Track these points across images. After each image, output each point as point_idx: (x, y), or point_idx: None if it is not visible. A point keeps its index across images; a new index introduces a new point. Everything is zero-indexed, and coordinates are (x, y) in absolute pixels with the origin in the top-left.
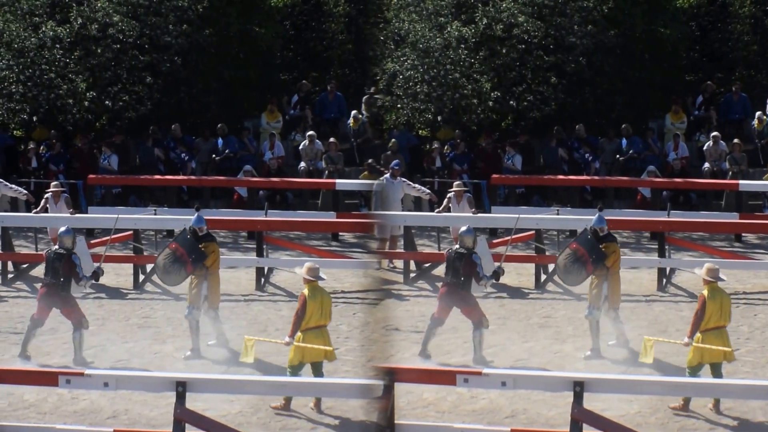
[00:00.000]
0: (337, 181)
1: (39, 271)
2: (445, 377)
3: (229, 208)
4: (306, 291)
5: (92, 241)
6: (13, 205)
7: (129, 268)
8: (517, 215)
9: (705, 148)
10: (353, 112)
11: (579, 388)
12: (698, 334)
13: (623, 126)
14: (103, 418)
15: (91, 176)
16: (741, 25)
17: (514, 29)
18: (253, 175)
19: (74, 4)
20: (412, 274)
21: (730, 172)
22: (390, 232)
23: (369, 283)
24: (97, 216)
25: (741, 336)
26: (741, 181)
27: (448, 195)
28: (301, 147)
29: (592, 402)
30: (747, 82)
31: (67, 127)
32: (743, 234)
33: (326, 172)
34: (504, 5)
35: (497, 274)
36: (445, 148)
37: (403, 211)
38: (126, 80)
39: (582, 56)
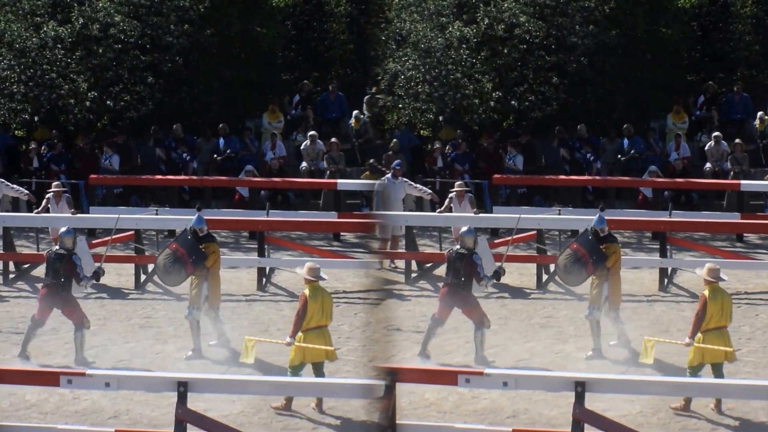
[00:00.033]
0: (339, 181)
1: (40, 271)
2: (446, 377)
3: (231, 208)
4: (307, 291)
5: (94, 241)
6: (15, 205)
7: (130, 268)
8: (518, 215)
9: (707, 148)
10: (355, 112)
11: (580, 388)
12: (699, 335)
13: (625, 126)
14: (105, 418)
15: (93, 176)
16: (743, 25)
17: (516, 29)
18: (254, 175)
19: (75, 4)
20: (414, 275)
21: (732, 172)
22: (391, 232)
23: (370, 283)
24: (99, 216)
25: (743, 336)
26: (742, 181)
27: (450, 195)
28: (302, 147)
29: (593, 402)
30: (748, 82)
31: (69, 127)
32: (745, 234)
33: (328, 172)
34: (505, 5)
35: (498, 274)
36: (447, 148)
37: (404, 211)
38: (127, 80)
39: (583, 56)
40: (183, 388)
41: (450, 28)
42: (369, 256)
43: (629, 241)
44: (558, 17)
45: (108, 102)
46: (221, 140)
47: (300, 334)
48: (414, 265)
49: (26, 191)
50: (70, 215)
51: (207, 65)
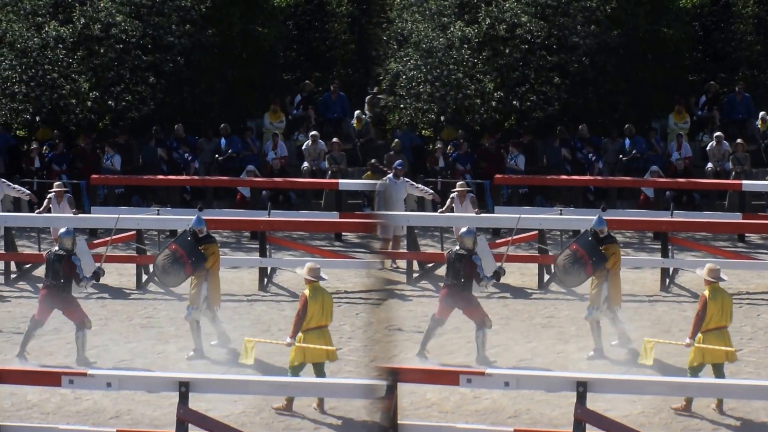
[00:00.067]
0: (340, 181)
1: (42, 271)
2: (448, 377)
3: (232, 208)
4: (307, 291)
5: (95, 241)
6: (16, 205)
7: (132, 268)
8: (518, 215)
9: (708, 148)
10: (356, 112)
11: (582, 388)
12: (699, 335)
13: (626, 126)
14: (106, 419)
15: (94, 176)
16: (744, 25)
17: (517, 29)
18: (256, 175)
19: (77, 4)
20: (415, 275)
21: (734, 172)
22: (393, 232)
23: (372, 284)
24: (100, 216)
25: (744, 336)
26: (744, 181)
27: (451, 195)
28: (304, 147)
29: (595, 402)
30: (750, 82)
31: (70, 127)
32: (746, 234)
33: (329, 172)
34: (507, 5)
35: (498, 274)
36: (448, 148)
37: (406, 211)
38: (129, 80)
39: (585, 56)
40: (184, 388)
41: (451, 28)
42: (370, 256)
43: (631, 241)
44: (559, 17)
45: (109, 102)
46: (223, 140)
47: (300, 334)
48: (415, 265)
49: (28, 191)
50: (71, 215)
51: (208, 65)
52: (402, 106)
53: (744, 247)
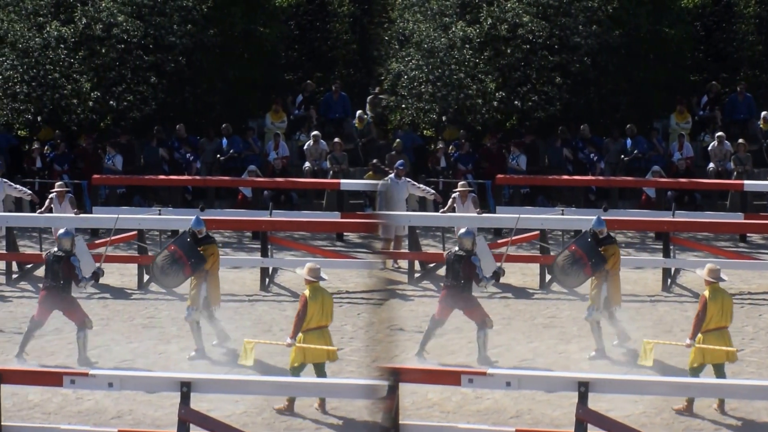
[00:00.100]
0: (342, 181)
1: (43, 271)
2: (449, 377)
3: (234, 208)
4: (307, 292)
5: (97, 241)
6: (18, 205)
7: (133, 268)
8: (517, 215)
9: (710, 148)
10: (358, 112)
11: (584, 388)
12: (699, 335)
13: (628, 126)
14: (108, 419)
15: (96, 176)
16: (746, 25)
17: (519, 29)
18: (257, 175)
19: (78, 4)
20: (417, 275)
21: (735, 172)
22: (394, 232)
23: (373, 284)
24: (101, 216)
25: (746, 336)
26: (746, 182)
27: (453, 195)
28: (305, 147)
29: (596, 402)
30: (752, 82)
31: (72, 127)
32: (748, 234)
33: (331, 172)
34: (509, 5)
35: (497, 275)
36: (450, 148)
37: (407, 211)
38: (130, 80)
39: (587, 56)
40: (186, 388)
41: (453, 28)
42: (372, 256)
43: (632, 241)
44: (561, 17)
45: (111, 102)
46: (224, 140)
47: (300, 334)
48: (417, 265)
49: (29, 191)
50: (73, 215)
51: (210, 65)
52: (403, 106)
53: (745, 248)
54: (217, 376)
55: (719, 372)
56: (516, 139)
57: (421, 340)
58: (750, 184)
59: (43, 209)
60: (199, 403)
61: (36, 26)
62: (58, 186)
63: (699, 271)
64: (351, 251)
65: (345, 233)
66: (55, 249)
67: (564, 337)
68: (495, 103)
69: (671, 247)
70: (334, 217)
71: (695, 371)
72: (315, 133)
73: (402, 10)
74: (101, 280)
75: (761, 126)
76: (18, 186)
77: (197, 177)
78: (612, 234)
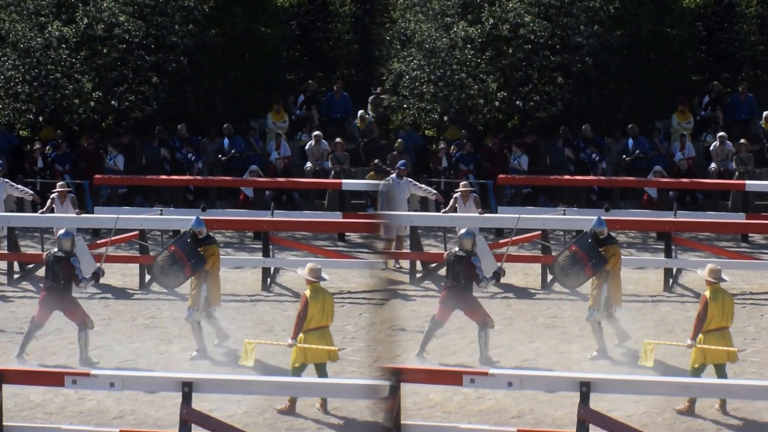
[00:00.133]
0: (344, 181)
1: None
2: (451, 377)
3: (235, 208)
4: (308, 292)
5: (98, 242)
6: (19, 205)
7: (135, 268)
8: (517, 215)
9: (711, 148)
10: (360, 112)
11: (585, 388)
12: (700, 336)
13: (629, 126)
14: (109, 419)
15: (97, 176)
16: (747, 25)
17: (521, 29)
18: (259, 175)
19: (80, 4)
20: (419, 275)
21: (737, 173)
22: (396, 233)
23: (375, 284)
24: (103, 216)
25: (748, 336)
26: (747, 182)
27: (455, 195)
28: (307, 147)
29: (598, 402)
30: (754, 82)
31: (73, 127)
32: (750, 234)
33: (332, 172)
34: (510, 5)
35: (498, 275)
36: (452, 148)
37: (409, 211)
38: (132, 80)
39: (588, 56)
40: (188, 388)
41: (455, 28)
42: (374, 256)
43: (634, 241)
44: (563, 17)
45: (112, 102)
46: (226, 140)
47: (301, 335)
48: (419, 265)
49: (31, 191)
50: (74, 215)
51: (211, 65)
52: (405, 106)
53: (747, 248)
54: (218, 376)
55: (720, 372)
56: (517, 139)
57: (421, 341)
58: (752, 184)
59: (44, 209)
60: (200, 403)
61: (38, 26)
62: (59, 186)
63: (700, 272)
64: (352, 251)
65: (347, 233)
66: (55, 249)
67: (566, 337)
68: (497, 103)
69: (673, 247)
70: (336, 217)
71: (696, 372)
72: (316, 133)
73: (403, 10)
74: (103, 280)
75: (763, 126)
76: (19, 186)
77: (199, 177)
78: (613, 234)
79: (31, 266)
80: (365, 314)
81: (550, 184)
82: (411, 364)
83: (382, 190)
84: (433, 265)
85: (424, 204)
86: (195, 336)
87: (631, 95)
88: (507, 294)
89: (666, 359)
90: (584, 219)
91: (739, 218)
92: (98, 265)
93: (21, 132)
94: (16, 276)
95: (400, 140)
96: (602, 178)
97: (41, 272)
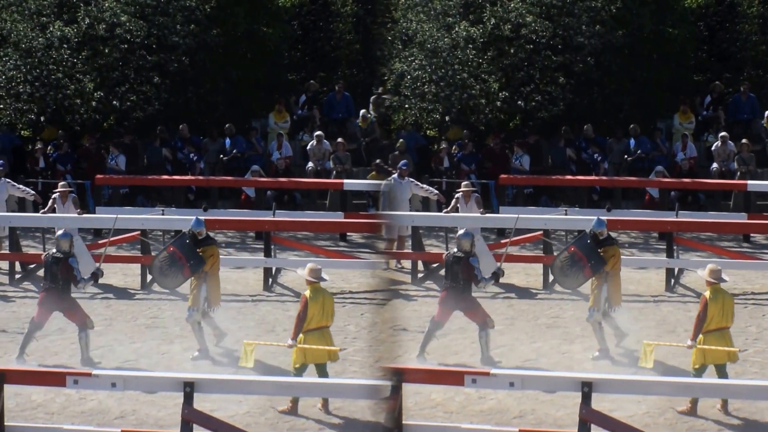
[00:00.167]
0: (345, 181)
1: None
2: (453, 378)
3: (237, 208)
4: (308, 293)
5: (100, 242)
6: (21, 205)
7: (137, 268)
8: (516, 215)
9: (713, 148)
10: (362, 111)
11: (587, 388)
12: (700, 336)
13: (631, 126)
14: (111, 419)
15: (99, 176)
16: (749, 25)
17: (522, 29)
18: (260, 175)
19: (82, 4)
20: (420, 275)
21: (739, 173)
22: (398, 233)
23: (377, 284)
24: (104, 216)
25: (749, 337)
26: (749, 182)
27: (456, 195)
28: (308, 147)
29: (600, 402)
30: (755, 82)
31: (75, 127)
32: (751, 234)
33: (334, 172)
34: (512, 5)
35: (497, 275)
36: (453, 148)
37: (410, 211)
38: (133, 80)
39: (590, 56)
40: (189, 388)
41: (456, 28)
42: (375, 256)
43: (636, 241)
44: (564, 17)
45: (114, 102)
46: (227, 140)
47: (301, 335)
48: (420, 266)
49: (32, 191)
50: (76, 215)
51: (213, 65)
52: (407, 106)
53: (749, 248)
54: (220, 376)
55: (721, 372)
56: (519, 139)
57: (421, 342)
58: (753, 184)
59: (46, 209)
60: (202, 403)
61: (39, 26)
62: (61, 186)
63: (700, 272)
64: (354, 251)
65: (348, 233)
66: (54, 250)
67: (567, 337)
68: (498, 103)
69: (674, 247)
70: (338, 217)
71: (698, 372)
72: (318, 133)
73: (405, 10)
74: (104, 281)
75: (765, 126)
76: (21, 186)
77: (200, 177)
78: (612, 235)
79: (32, 266)
80: (367, 314)
81: (551, 184)
82: (415, 364)
83: (384, 190)
84: (435, 265)
85: (425, 204)
86: (196, 336)
87: (632, 95)
88: (509, 294)
89: (667, 359)
90: (586, 219)
91: (741, 218)
92: (97, 265)
93: (23, 132)
94: (17, 276)
95: (401, 140)
96: (604, 178)
97: (43, 272)
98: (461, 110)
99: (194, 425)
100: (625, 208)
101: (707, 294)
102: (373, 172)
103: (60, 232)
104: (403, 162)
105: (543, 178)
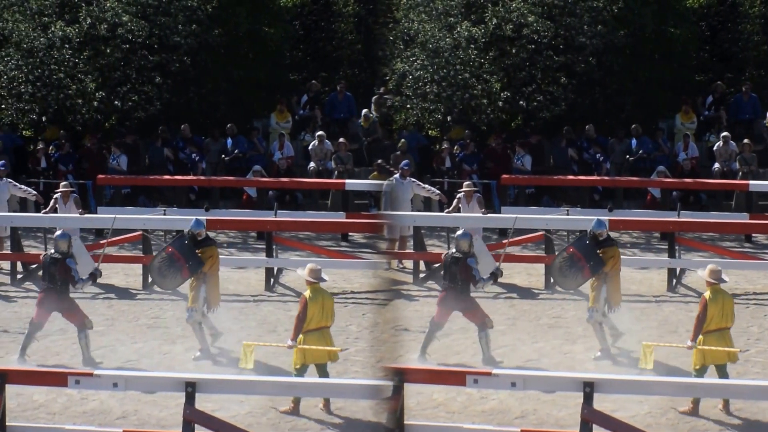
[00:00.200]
0: (347, 181)
1: None
2: (454, 378)
3: (239, 208)
4: (307, 293)
5: (101, 242)
6: (22, 205)
7: (138, 268)
8: (515, 216)
9: (715, 148)
10: (364, 111)
11: (589, 388)
12: (700, 337)
13: (633, 126)
14: (113, 419)
15: (100, 176)
16: (751, 25)
17: (524, 29)
18: (262, 176)
19: (83, 4)
20: (422, 275)
21: (740, 173)
22: (399, 233)
23: (378, 284)
24: (106, 216)
25: (751, 337)
26: (751, 182)
27: (458, 195)
28: (310, 147)
29: (602, 403)
30: (757, 82)
31: (77, 127)
32: (753, 234)
33: (336, 172)
34: (514, 5)
35: (495, 275)
36: (455, 148)
37: (412, 211)
38: (135, 80)
39: (592, 56)
40: (191, 388)
41: (458, 28)
42: (377, 256)
43: (637, 241)
44: (566, 17)
45: (116, 102)
46: (229, 140)
47: (301, 336)
48: (422, 266)
49: (34, 191)
50: (77, 215)
51: (215, 65)
52: (408, 106)
53: (751, 248)
54: (222, 376)
55: (722, 373)
56: (521, 139)
57: (422, 343)
58: (755, 184)
59: (47, 209)
60: (204, 403)
61: (41, 26)
62: (62, 186)
63: (700, 272)
64: (356, 251)
65: (350, 233)
66: (52, 251)
67: (569, 337)
68: (500, 103)
69: (676, 247)
70: (339, 217)
71: (699, 373)
72: (320, 133)
73: (407, 10)
74: (106, 281)
75: (766, 126)
76: (23, 186)
77: (202, 177)
78: (613, 236)
79: (34, 266)
80: (368, 314)
81: (553, 184)
82: (417, 364)
83: (386, 190)
84: (437, 265)
85: (427, 204)
86: (197, 336)
87: (634, 95)
88: (510, 294)
89: (668, 360)
90: (587, 219)
91: (743, 218)
92: (96, 265)
93: (24, 132)
94: (19, 276)
95: (403, 140)
96: (606, 178)
97: (41, 273)
98: (463, 110)
99: (196, 425)
100: (626, 208)
101: (707, 294)
102: (375, 172)
103: (58, 232)
104: (404, 162)
105: (545, 178)
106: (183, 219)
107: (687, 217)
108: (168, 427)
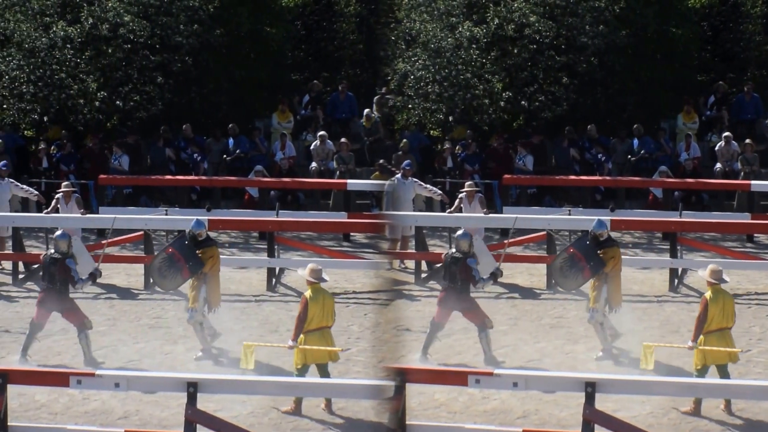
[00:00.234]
0: (349, 181)
1: None
2: (456, 378)
3: (240, 208)
4: (308, 293)
5: (103, 242)
6: (24, 205)
7: (140, 268)
8: (515, 216)
9: (717, 148)
10: (366, 111)
11: (591, 388)
12: (701, 337)
13: (635, 126)
14: (114, 419)
15: (102, 176)
16: (753, 25)
17: (526, 29)
18: (264, 176)
19: (85, 4)
20: (423, 275)
21: (742, 173)
22: (401, 233)
23: (380, 284)
24: (108, 216)
25: (753, 337)
26: (753, 182)
27: (460, 195)
28: (312, 147)
29: (604, 403)
30: (759, 82)
31: (78, 127)
32: (755, 234)
33: (337, 172)
34: (515, 5)
35: (495, 276)
36: (457, 148)
37: (414, 211)
38: (137, 80)
39: (593, 56)
40: (193, 388)
41: (460, 28)
42: (379, 256)
43: (639, 241)
44: (568, 17)
45: (117, 102)
46: (231, 140)
47: (301, 336)
48: (424, 266)
49: (35, 192)
50: (79, 216)
51: (216, 65)
52: (410, 106)
53: (753, 248)
54: (223, 376)
55: (723, 373)
56: (523, 139)
57: (423, 344)
58: (757, 184)
59: (49, 209)
60: (205, 403)
61: (42, 26)
62: (64, 186)
63: (701, 272)
64: (358, 251)
65: (352, 233)
66: (52, 251)
67: (571, 337)
68: (502, 103)
69: (678, 247)
70: (341, 217)
71: (700, 373)
72: (322, 133)
73: (408, 10)
74: (107, 281)
75: None
76: (24, 186)
77: (204, 177)
78: (614, 236)
79: (35, 266)
80: (370, 314)
81: (555, 184)
82: (419, 364)
83: (387, 191)
84: (438, 265)
85: (429, 204)
86: (198, 336)
87: (636, 95)
88: (512, 294)
89: (670, 361)
90: (589, 219)
91: (745, 218)
92: (96, 265)
93: (26, 132)
94: (20, 276)
95: (405, 140)
96: (607, 178)
97: (41, 273)
98: (465, 110)
99: (197, 425)
100: (628, 208)
101: (708, 295)
102: (377, 172)
103: (58, 232)
104: (406, 162)
105: (546, 178)
106: (185, 219)
107: (689, 217)
108: (170, 428)
